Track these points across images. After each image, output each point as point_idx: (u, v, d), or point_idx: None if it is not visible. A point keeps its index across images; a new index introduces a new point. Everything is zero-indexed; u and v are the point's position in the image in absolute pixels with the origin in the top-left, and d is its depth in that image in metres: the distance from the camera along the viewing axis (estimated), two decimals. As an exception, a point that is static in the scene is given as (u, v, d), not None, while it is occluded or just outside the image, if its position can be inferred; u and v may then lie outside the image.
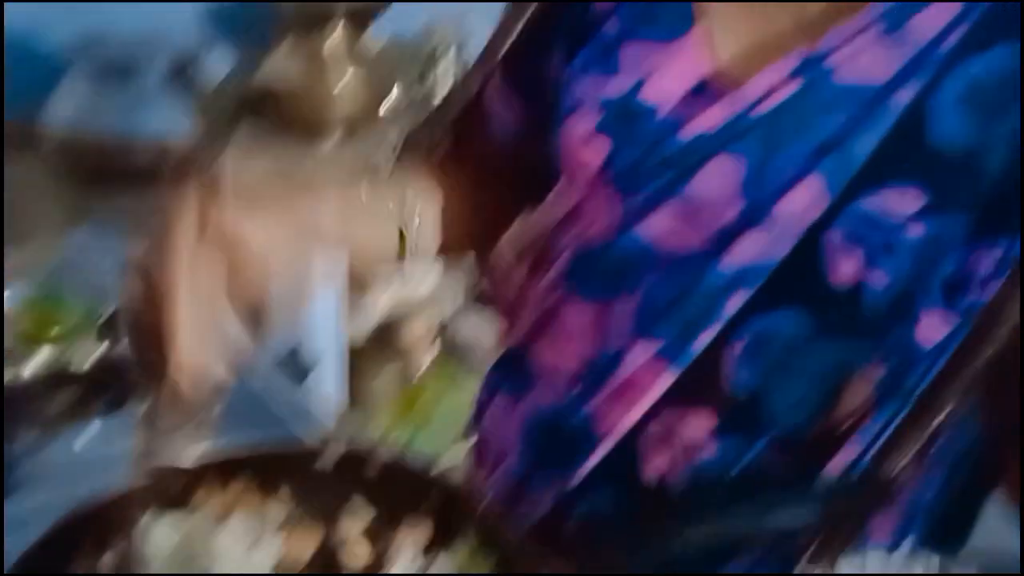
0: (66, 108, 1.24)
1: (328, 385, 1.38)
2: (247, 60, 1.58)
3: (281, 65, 1.52)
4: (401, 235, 0.54)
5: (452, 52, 1.68)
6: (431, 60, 1.69)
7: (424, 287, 1.57)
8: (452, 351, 1.69)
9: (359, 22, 1.51)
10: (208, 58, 1.43)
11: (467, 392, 0.70)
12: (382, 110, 1.54)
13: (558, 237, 0.59)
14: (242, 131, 1.52)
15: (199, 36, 1.50)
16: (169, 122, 1.32)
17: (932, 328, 0.49)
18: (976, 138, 0.46)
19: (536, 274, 0.62)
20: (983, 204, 0.46)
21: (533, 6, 0.61)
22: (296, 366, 1.37)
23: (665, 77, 0.52)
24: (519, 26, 0.61)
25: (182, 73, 1.32)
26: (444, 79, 1.68)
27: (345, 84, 1.49)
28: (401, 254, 0.54)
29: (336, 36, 1.49)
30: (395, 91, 1.57)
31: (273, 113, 1.56)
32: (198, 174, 0.44)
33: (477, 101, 0.65)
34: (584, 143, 0.54)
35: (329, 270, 0.49)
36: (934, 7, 0.46)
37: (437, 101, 0.66)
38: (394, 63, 1.56)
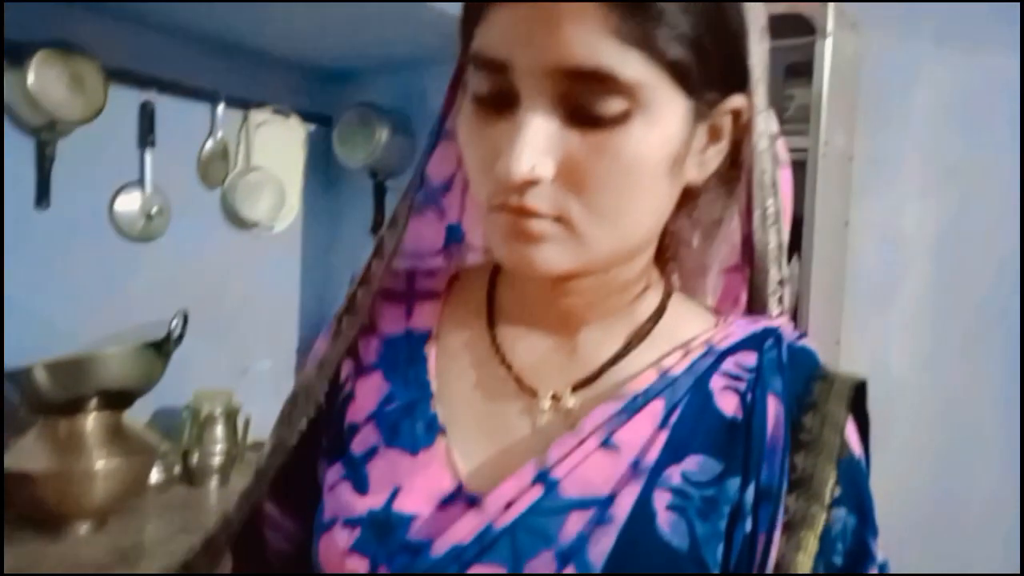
0: None
1: None
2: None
3: (28, 450, 1.42)
4: None
5: (220, 424, 1.66)
6: (199, 432, 1.65)
7: None
8: None
9: (118, 401, 1.46)
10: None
11: None
12: (140, 491, 1.45)
13: None
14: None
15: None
16: None
17: None
18: (691, 537, 0.50)
19: None
20: None
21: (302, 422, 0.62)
22: None
23: (414, 490, 0.54)
24: (288, 446, 0.62)
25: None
26: (211, 455, 1.64)
27: (102, 467, 1.40)
28: None
29: (92, 417, 1.43)
30: (156, 472, 1.50)
31: (19, 501, 1.42)
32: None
33: (253, 521, 0.65)
34: (342, 560, 0.54)
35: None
36: (635, 421, 0.53)
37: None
38: (157, 444, 1.50)
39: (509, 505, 0.51)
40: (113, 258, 1.66)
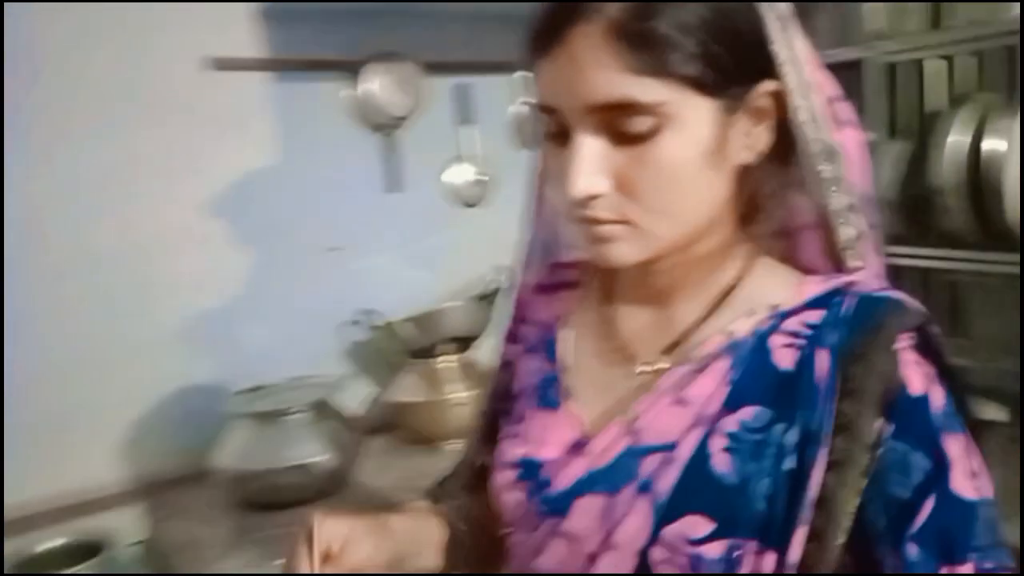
0: (232, 449, 1.54)
1: None
2: (379, 386, 1.88)
3: (405, 386, 1.81)
4: None
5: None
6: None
7: None
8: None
9: (462, 345, 1.79)
10: (345, 391, 1.71)
11: None
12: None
13: None
14: (375, 446, 1.78)
15: (339, 372, 1.82)
16: (313, 450, 1.56)
17: None
18: (741, 474, 0.59)
19: None
20: (758, 525, 0.58)
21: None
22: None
23: (551, 441, 0.69)
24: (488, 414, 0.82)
25: (324, 407, 1.59)
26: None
27: (454, 398, 1.74)
28: None
29: (443, 358, 1.77)
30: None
31: (401, 427, 1.82)
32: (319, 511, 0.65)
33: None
34: (510, 489, 0.71)
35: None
36: (701, 379, 0.62)
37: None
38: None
39: (607, 450, 0.64)
40: (450, 224, 1.98)
